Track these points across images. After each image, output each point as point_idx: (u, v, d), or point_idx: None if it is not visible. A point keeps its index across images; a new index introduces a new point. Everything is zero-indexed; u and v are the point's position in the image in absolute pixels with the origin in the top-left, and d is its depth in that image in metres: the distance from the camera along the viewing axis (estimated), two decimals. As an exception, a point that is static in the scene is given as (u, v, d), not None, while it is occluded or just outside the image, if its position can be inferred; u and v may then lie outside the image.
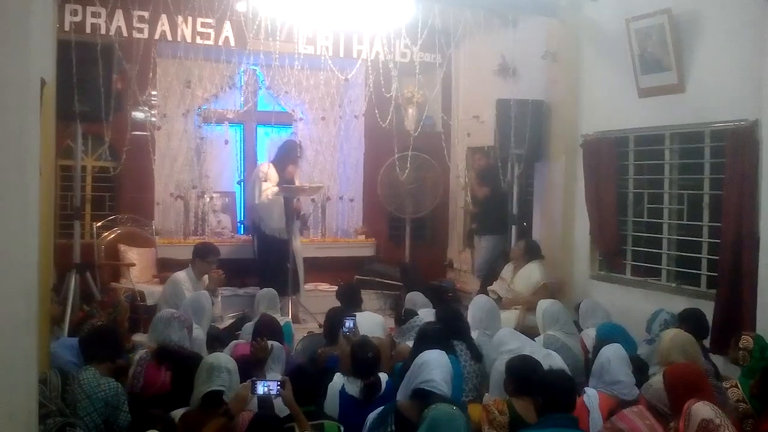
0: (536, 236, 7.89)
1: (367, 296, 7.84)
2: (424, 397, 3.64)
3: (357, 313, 5.54)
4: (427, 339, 4.59)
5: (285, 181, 8.00)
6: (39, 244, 3.17)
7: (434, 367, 3.77)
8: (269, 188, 7.94)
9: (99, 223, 7.93)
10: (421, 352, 4.01)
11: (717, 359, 5.26)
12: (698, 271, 6.15)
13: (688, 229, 6.37)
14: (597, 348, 4.82)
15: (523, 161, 7.75)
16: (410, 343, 5.06)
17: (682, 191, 6.42)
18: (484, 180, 8.37)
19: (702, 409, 3.41)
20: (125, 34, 7.80)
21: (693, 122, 6.12)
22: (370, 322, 5.74)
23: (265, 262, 7.96)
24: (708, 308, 5.62)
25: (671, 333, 4.63)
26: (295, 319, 7.62)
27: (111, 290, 7.25)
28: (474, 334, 5.36)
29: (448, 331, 4.96)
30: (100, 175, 8.29)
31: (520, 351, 4.57)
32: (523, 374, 4.06)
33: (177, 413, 3.92)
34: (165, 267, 7.75)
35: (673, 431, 3.60)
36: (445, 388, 3.71)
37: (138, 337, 6.17)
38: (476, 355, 5.07)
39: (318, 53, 8.59)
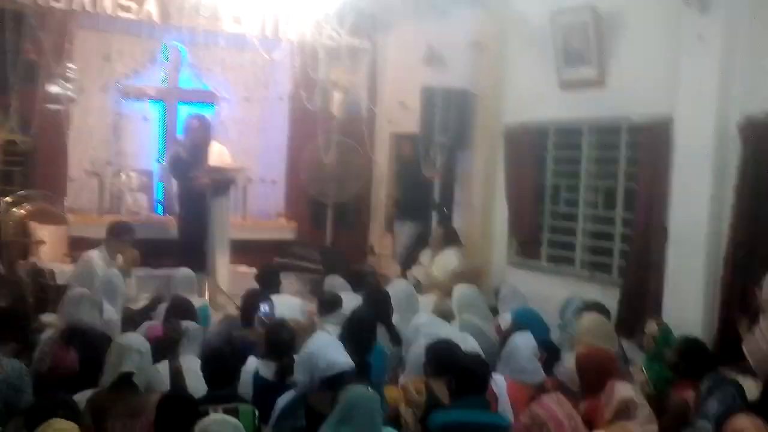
0: (457, 223, 7.97)
1: (288, 279, 7.77)
2: (333, 384, 3.60)
3: (275, 296, 5.49)
4: (361, 324, 4.57)
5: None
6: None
7: (330, 349, 3.77)
8: None
9: (8, 199, 7.61)
10: (355, 337, 4.10)
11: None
12: (610, 260, 6.33)
13: (602, 220, 6.56)
14: (508, 332, 4.92)
15: (446, 150, 7.81)
16: (330, 327, 5.04)
17: (597, 182, 6.60)
18: (409, 168, 8.40)
19: (623, 389, 3.58)
20: (40, 2, 7.45)
21: (611, 116, 6.29)
22: (288, 305, 5.69)
23: (184, 241, 7.77)
24: (618, 296, 5.81)
25: (591, 316, 4.80)
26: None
27: (14, 268, 6.97)
28: (393, 318, 5.38)
29: (378, 314, 4.96)
30: (9, 149, 7.93)
31: (438, 334, 4.60)
32: (442, 356, 4.09)
33: (85, 394, 3.81)
34: (78, 245, 7.46)
35: (582, 411, 3.71)
36: (346, 361, 3.73)
37: (47, 317, 5.95)
38: (395, 338, 5.10)
39: (244, 32, 8.40)
